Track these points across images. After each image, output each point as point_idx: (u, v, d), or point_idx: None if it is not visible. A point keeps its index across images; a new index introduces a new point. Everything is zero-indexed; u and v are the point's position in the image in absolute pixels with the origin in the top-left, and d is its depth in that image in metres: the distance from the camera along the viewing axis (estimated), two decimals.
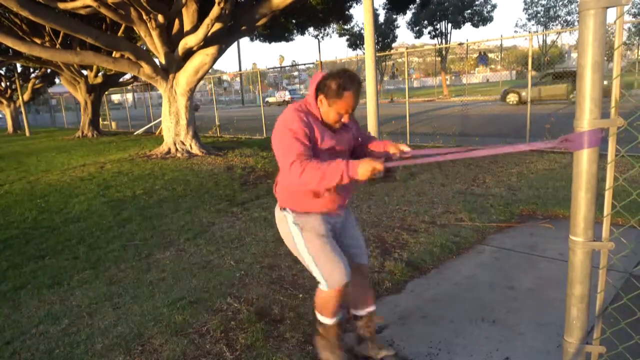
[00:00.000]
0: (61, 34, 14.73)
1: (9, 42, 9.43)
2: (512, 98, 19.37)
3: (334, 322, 2.23)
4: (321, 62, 12.24)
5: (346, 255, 2.22)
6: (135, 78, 19.59)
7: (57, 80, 24.40)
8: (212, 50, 9.40)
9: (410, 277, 3.34)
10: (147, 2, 8.39)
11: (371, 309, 2.35)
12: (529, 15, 28.54)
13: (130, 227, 5.12)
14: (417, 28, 34.00)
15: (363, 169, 1.81)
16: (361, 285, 2.31)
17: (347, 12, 14.54)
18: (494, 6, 32.76)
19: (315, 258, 2.11)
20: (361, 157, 2.03)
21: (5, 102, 24.58)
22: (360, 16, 33.37)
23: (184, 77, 9.92)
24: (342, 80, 1.93)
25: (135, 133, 18.79)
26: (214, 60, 9.61)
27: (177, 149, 10.39)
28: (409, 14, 33.33)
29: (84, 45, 14.21)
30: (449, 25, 33.17)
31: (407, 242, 4.01)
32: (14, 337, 2.90)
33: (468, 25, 36.44)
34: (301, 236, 2.13)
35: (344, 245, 2.26)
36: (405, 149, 2.07)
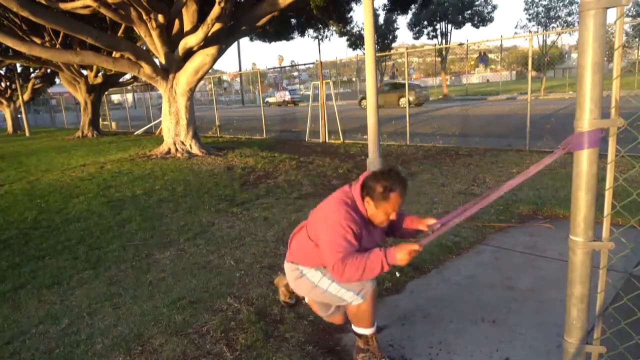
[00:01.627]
0: (61, 34, 14.72)
1: (9, 42, 9.43)
2: (364, 103, 25.07)
3: (374, 330, 2.28)
4: (321, 62, 12.24)
5: None
6: (135, 78, 19.59)
7: (57, 80, 24.39)
8: (212, 50, 9.40)
9: (410, 277, 3.34)
10: (147, 2, 8.39)
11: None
12: (529, 15, 28.51)
13: (130, 227, 5.12)
14: (417, 28, 33.96)
15: (401, 254, 1.83)
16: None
17: (346, 15, 14.51)
18: (494, 7, 32.73)
19: (346, 287, 2.14)
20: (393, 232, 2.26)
21: (5, 102, 24.58)
22: (360, 16, 33.38)
23: (184, 77, 9.92)
24: (388, 183, 1.95)
25: (135, 133, 18.79)
26: (214, 60, 9.62)
27: (177, 149, 10.39)
28: (409, 14, 33.29)
29: (84, 45, 14.21)
30: (449, 25, 33.15)
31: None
32: (14, 337, 2.90)
33: (468, 25, 36.43)
34: (324, 277, 2.19)
35: None
36: (431, 222, 2.11)
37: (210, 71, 10.95)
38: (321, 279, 2.21)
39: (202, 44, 9.28)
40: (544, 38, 26.60)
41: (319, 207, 2.17)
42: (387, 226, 2.22)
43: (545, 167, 5.64)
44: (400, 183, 1.97)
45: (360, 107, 24.73)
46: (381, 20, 33.50)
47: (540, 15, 27.34)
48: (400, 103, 23.00)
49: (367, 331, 2.27)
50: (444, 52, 33.54)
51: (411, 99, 21.85)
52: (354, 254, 1.93)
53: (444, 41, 33.46)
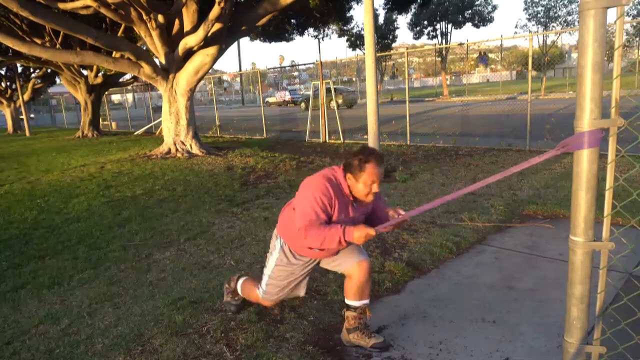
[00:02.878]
0: (61, 34, 14.73)
1: (9, 42, 9.43)
2: (303, 105, 29.76)
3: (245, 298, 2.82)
4: (321, 62, 12.24)
5: (347, 254, 2.44)
6: (135, 78, 19.59)
7: (57, 80, 24.39)
8: (212, 50, 9.40)
9: (410, 277, 3.34)
10: (147, 2, 8.38)
11: (366, 301, 2.50)
12: (529, 15, 28.51)
13: (130, 227, 5.12)
14: (417, 28, 33.96)
15: (358, 234, 2.06)
16: (361, 279, 2.44)
17: (347, 14, 14.53)
18: (494, 7, 32.72)
19: (269, 280, 2.53)
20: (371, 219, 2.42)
21: (5, 102, 24.58)
22: (360, 16, 33.41)
23: (184, 77, 9.92)
24: (362, 156, 2.18)
25: (135, 133, 18.79)
26: (214, 60, 9.62)
27: (177, 149, 10.39)
28: (409, 14, 33.27)
29: (84, 45, 14.21)
30: (449, 25, 33.13)
31: (407, 242, 4.01)
32: (14, 337, 2.90)
33: (468, 25, 36.41)
34: (273, 268, 2.50)
35: (335, 262, 2.49)
36: (401, 212, 2.26)
37: (210, 71, 10.95)
38: (271, 264, 2.52)
39: (202, 44, 9.28)
40: (544, 38, 26.61)
41: (306, 178, 2.37)
42: (371, 214, 2.43)
43: (545, 166, 5.62)
44: (373, 154, 2.18)
45: (301, 109, 28.72)
46: (381, 20, 33.48)
47: (540, 15, 27.34)
48: (330, 105, 26.55)
49: (242, 294, 2.78)
50: (444, 52, 33.53)
51: (340, 101, 25.41)
52: (319, 225, 2.16)
53: (444, 41, 33.45)
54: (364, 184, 2.18)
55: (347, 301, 2.50)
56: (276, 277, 2.49)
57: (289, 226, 2.39)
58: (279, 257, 2.47)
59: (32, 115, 38.17)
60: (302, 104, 30.46)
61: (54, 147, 14.95)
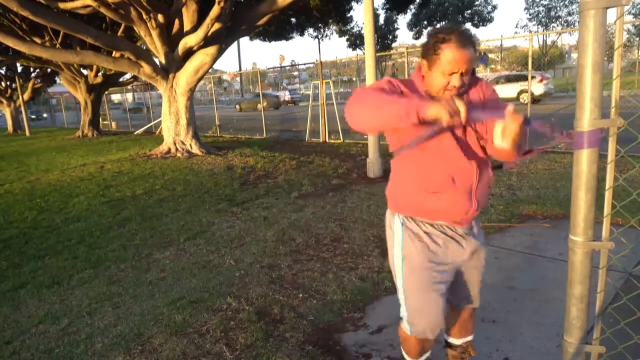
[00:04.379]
0: (61, 34, 14.72)
1: (9, 42, 9.43)
2: (238, 107, 33.30)
3: None
4: (321, 61, 12.24)
5: (453, 295, 1.88)
6: (135, 78, 19.59)
7: (57, 80, 24.39)
8: (212, 50, 9.40)
9: None
10: (147, 2, 8.38)
11: (469, 338, 2.08)
12: (530, 15, 28.59)
13: (130, 227, 5.12)
14: (417, 28, 34.02)
15: (435, 107, 1.32)
16: (463, 316, 2.02)
17: (347, 14, 14.55)
18: (494, 7, 32.78)
19: (407, 297, 1.74)
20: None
21: (5, 101, 24.59)
22: (360, 16, 33.52)
23: (184, 77, 9.92)
24: (441, 34, 1.53)
25: (135, 133, 18.79)
26: (214, 60, 9.62)
27: (177, 149, 10.39)
28: (409, 15, 33.37)
29: (84, 45, 14.21)
30: None
31: None
32: (13, 336, 2.90)
33: (468, 25, 36.41)
34: (401, 265, 1.75)
35: (454, 283, 1.84)
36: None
37: (210, 71, 10.95)
38: (398, 271, 1.77)
39: (202, 43, 9.28)
40: (544, 38, 26.64)
41: None
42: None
43: (545, 166, 5.61)
44: (454, 32, 1.51)
45: (238, 110, 32.26)
46: (381, 20, 33.53)
47: (540, 15, 27.37)
48: (257, 107, 30.33)
49: None
50: None
51: (265, 104, 30.15)
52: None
53: None
54: (441, 73, 1.53)
55: (447, 338, 2.09)
56: (413, 286, 1.72)
57: (397, 180, 1.75)
58: (404, 237, 1.73)
59: (44, 115, 38.01)
60: (237, 106, 33.59)
61: (53, 147, 14.95)
